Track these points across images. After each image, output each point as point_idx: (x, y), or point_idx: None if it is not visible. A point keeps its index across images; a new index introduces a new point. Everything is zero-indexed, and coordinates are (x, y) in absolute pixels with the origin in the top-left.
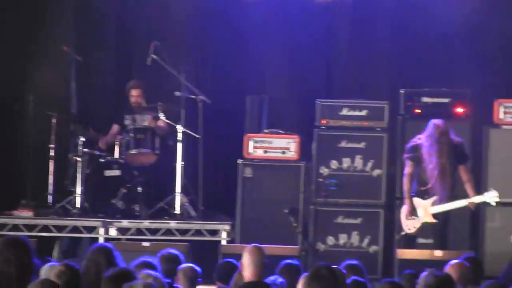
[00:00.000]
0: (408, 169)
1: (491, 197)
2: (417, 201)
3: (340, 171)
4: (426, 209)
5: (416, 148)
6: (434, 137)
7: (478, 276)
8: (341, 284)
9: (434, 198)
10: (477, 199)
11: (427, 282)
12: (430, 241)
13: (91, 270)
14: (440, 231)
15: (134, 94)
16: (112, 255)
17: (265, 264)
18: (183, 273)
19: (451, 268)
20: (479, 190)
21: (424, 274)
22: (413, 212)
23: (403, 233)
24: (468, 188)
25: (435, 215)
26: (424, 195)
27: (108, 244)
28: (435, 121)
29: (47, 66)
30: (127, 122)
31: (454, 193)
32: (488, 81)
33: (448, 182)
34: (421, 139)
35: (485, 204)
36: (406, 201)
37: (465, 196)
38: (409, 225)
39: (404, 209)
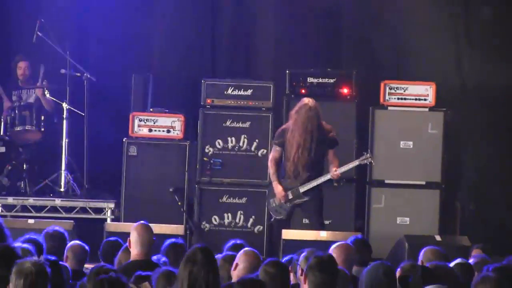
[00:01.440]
0: (273, 153)
1: (363, 160)
2: (285, 184)
3: (225, 151)
4: (296, 190)
5: (283, 133)
6: (301, 113)
7: (365, 257)
8: (215, 266)
9: (302, 178)
10: (346, 167)
11: (309, 263)
12: (307, 221)
13: None
14: (314, 211)
15: (22, 65)
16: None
17: (153, 243)
18: (71, 251)
19: (335, 249)
20: (363, 172)
21: (303, 254)
22: (285, 193)
23: (272, 219)
24: (332, 158)
25: (305, 193)
26: (292, 177)
27: None
28: (305, 99)
29: None
30: (13, 98)
31: (322, 171)
32: (373, 62)
33: (314, 162)
34: (289, 123)
35: (362, 167)
36: (274, 183)
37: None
38: (278, 210)
39: (276, 191)
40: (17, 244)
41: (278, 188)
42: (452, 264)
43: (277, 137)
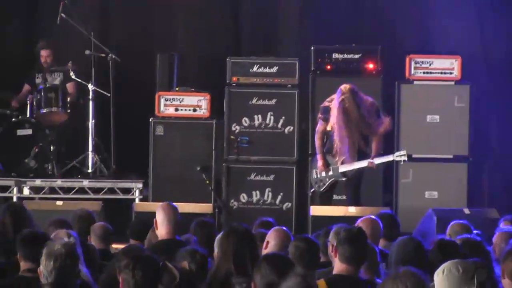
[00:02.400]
0: (320, 127)
1: (398, 156)
2: (329, 158)
3: (251, 128)
4: (336, 168)
5: (327, 110)
6: (341, 102)
7: (394, 232)
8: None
9: (343, 157)
10: (382, 159)
11: (339, 237)
12: (344, 197)
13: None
14: (352, 187)
15: (44, 54)
16: (21, 215)
17: (179, 222)
18: (93, 231)
19: (361, 224)
20: (390, 147)
21: (333, 230)
22: (327, 166)
23: (312, 190)
24: (373, 146)
25: (343, 173)
26: (335, 154)
27: (18, 204)
28: (342, 86)
29: None
30: (37, 81)
31: (365, 153)
32: (398, 37)
33: (355, 148)
34: (331, 102)
35: (394, 162)
36: (319, 156)
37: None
38: (318, 183)
39: (318, 164)
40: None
41: (319, 162)
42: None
43: (322, 112)
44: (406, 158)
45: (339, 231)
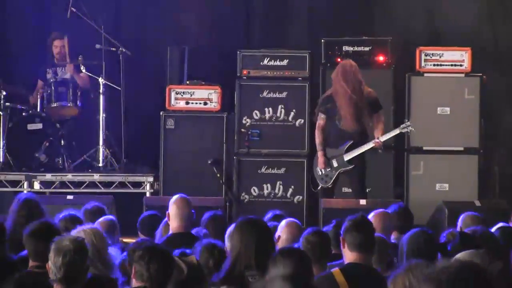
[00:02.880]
0: (319, 121)
1: (404, 127)
2: (331, 151)
3: (262, 121)
4: (340, 158)
5: (328, 99)
6: (344, 74)
7: (407, 225)
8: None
9: (348, 144)
10: (388, 135)
11: (345, 226)
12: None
13: (16, 224)
14: (357, 179)
15: (58, 44)
16: (36, 208)
17: (192, 215)
18: (100, 225)
19: (373, 217)
20: (400, 141)
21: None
22: (327, 163)
23: (319, 188)
24: (377, 131)
25: (350, 161)
26: (338, 144)
27: (32, 196)
28: (342, 65)
29: None
30: (48, 76)
31: (367, 138)
32: (408, 29)
33: (359, 124)
34: (332, 88)
35: (401, 135)
36: (319, 153)
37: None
38: (324, 178)
39: (319, 162)
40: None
41: (321, 159)
42: (493, 229)
43: (321, 104)
44: (412, 128)
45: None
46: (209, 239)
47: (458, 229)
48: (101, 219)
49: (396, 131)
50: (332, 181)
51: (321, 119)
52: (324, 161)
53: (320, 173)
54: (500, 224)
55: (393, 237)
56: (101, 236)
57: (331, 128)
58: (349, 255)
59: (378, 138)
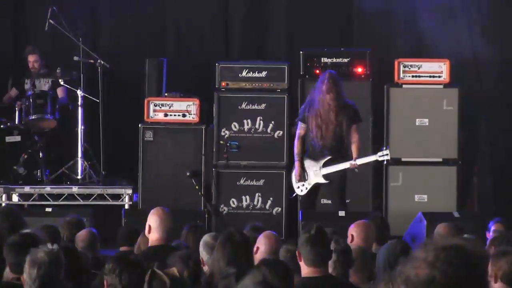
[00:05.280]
0: (299, 131)
1: (381, 155)
2: (308, 163)
3: (241, 133)
4: (317, 171)
5: (306, 108)
6: (324, 87)
7: (384, 235)
8: (251, 246)
9: (326, 158)
10: (363, 160)
11: (300, 240)
12: (330, 202)
13: None
14: (337, 192)
15: (31, 59)
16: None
17: (172, 228)
18: (78, 238)
19: (355, 227)
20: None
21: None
22: (302, 175)
23: (294, 194)
24: (354, 149)
25: (325, 176)
26: (317, 156)
27: (14, 208)
28: (324, 76)
29: None
30: (26, 87)
31: (347, 152)
32: (386, 41)
33: (338, 137)
34: (312, 97)
35: (378, 162)
36: (296, 164)
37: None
38: (300, 187)
39: (295, 173)
40: None
41: (297, 171)
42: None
43: (300, 113)
44: (389, 158)
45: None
46: (186, 250)
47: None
48: (82, 231)
49: (373, 158)
50: (307, 191)
51: (301, 129)
52: (300, 173)
53: (295, 181)
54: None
55: (373, 248)
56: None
57: (309, 138)
58: (305, 269)
59: (355, 160)
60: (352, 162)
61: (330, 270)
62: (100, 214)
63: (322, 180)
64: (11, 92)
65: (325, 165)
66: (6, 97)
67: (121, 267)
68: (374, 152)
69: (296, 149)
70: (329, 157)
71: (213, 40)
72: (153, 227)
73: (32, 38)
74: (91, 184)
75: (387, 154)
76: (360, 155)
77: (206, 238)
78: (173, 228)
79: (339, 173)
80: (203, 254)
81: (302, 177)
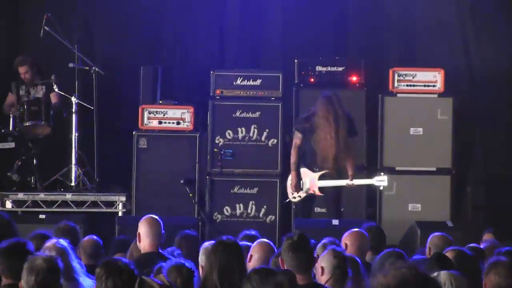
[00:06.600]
0: (295, 140)
1: (378, 181)
2: (304, 172)
3: (235, 141)
4: (313, 181)
5: (308, 119)
6: (330, 106)
7: (380, 245)
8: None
9: (323, 171)
10: (362, 181)
11: (282, 246)
12: (324, 210)
13: None
14: (332, 200)
15: (22, 71)
16: (9, 228)
17: (162, 235)
18: (81, 246)
19: (349, 236)
20: (374, 161)
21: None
22: (298, 184)
23: (287, 200)
24: (349, 166)
25: (321, 189)
26: (313, 166)
27: (5, 215)
28: (329, 92)
29: None
30: (21, 93)
31: (344, 166)
32: (381, 50)
33: (338, 152)
34: (314, 109)
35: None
36: (292, 173)
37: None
38: (294, 194)
39: (290, 184)
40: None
41: (293, 181)
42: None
43: (299, 123)
44: (386, 184)
45: (326, 244)
46: (179, 258)
47: (427, 249)
48: (86, 238)
49: (370, 182)
50: (300, 199)
51: (297, 138)
52: (296, 184)
53: (291, 192)
54: (471, 245)
55: (367, 257)
56: (66, 252)
57: (307, 148)
58: None
59: (351, 180)
60: (349, 182)
61: (327, 279)
62: (93, 221)
63: (317, 192)
64: (9, 99)
65: (321, 177)
66: (6, 105)
67: (108, 273)
68: (369, 166)
69: (293, 158)
70: (326, 171)
71: (208, 48)
72: (142, 235)
73: (27, 44)
74: (84, 191)
75: (384, 180)
76: (355, 172)
77: (206, 245)
78: (165, 235)
79: (333, 187)
80: (203, 261)
81: (298, 187)
